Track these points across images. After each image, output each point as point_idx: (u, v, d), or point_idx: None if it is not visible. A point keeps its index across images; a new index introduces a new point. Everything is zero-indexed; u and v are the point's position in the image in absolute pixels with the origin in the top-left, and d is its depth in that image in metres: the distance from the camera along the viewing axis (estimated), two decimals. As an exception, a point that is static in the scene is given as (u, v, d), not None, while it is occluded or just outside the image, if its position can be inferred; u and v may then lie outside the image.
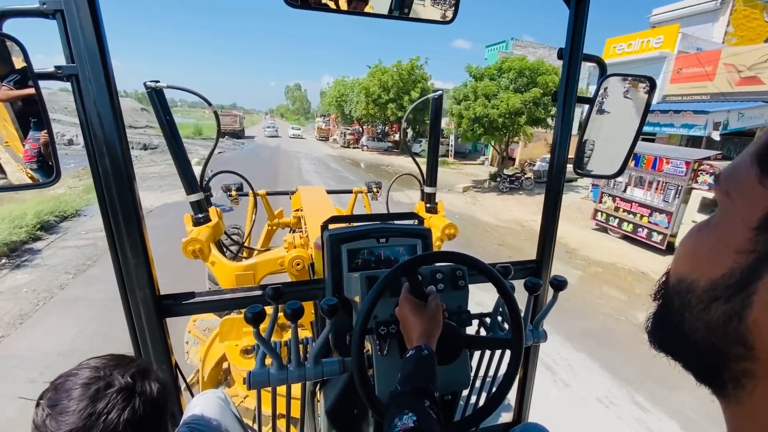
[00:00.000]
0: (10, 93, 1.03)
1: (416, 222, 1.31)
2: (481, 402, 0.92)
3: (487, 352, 1.23)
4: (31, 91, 0.90)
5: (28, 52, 0.84)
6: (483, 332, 1.19)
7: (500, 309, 1.14)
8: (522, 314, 0.95)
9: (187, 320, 2.77)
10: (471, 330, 1.13)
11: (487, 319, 1.18)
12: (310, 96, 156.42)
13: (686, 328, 0.31)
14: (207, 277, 3.37)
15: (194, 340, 2.72)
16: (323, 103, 47.51)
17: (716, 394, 0.31)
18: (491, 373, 1.26)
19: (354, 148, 34.53)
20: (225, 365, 2.27)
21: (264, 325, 0.92)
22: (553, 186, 1.30)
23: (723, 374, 0.29)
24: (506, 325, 1.15)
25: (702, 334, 0.30)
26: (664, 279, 0.36)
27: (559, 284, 1.11)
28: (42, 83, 0.87)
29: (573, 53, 1.15)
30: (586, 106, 1.23)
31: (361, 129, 37.00)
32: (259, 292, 1.13)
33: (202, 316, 2.73)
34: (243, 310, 0.94)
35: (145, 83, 1.60)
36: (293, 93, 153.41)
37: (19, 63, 0.97)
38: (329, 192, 3.10)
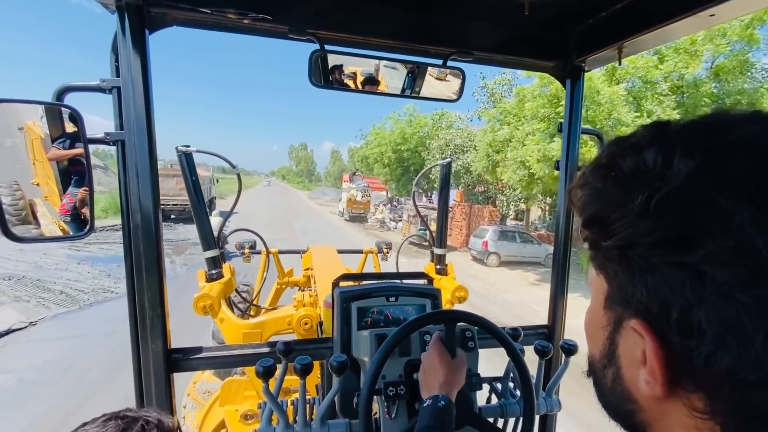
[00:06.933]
0: (58, 153, 1.15)
1: (425, 282, 1.32)
2: None
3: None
4: (79, 151, 1.00)
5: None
6: (494, 398, 1.14)
7: (511, 374, 1.10)
8: (534, 380, 0.92)
9: (186, 383, 2.67)
10: (482, 395, 1.09)
11: (498, 384, 1.14)
12: (316, 158, 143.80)
13: (606, 397, 0.38)
14: (211, 336, 3.30)
15: (192, 404, 2.59)
16: (355, 159, 32.71)
17: None
18: None
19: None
20: None
21: (273, 381, 0.91)
22: (560, 251, 1.33)
23: (638, 430, 0.34)
24: (518, 392, 1.10)
25: (611, 399, 0.36)
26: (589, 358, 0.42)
27: (570, 349, 1.08)
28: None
29: (571, 127, 1.24)
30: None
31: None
32: (268, 349, 1.12)
33: (203, 377, 2.64)
34: (247, 371, 0.93)
35: (176, 147, 1.75)
36: (298, 153, 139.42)
37: (69, 128, 1.09)
38: (340, 252, 3.14)
